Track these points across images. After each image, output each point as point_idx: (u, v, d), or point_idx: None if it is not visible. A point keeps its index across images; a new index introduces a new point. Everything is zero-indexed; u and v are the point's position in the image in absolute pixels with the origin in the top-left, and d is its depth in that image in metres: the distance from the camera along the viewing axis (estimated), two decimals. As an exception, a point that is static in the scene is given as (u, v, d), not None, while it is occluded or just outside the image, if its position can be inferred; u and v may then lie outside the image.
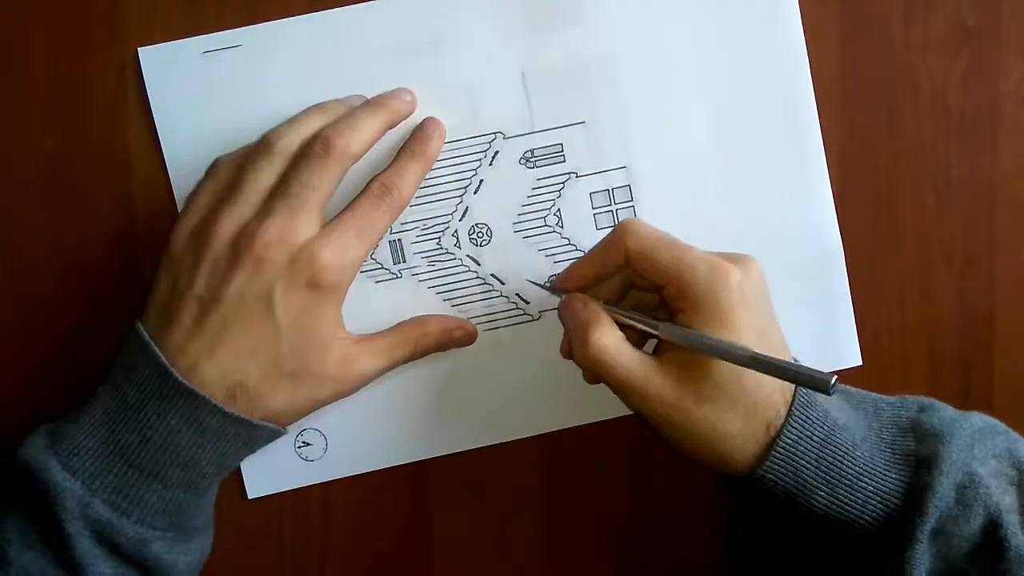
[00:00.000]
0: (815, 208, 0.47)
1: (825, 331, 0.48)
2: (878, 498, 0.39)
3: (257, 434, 0.41)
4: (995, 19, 0.48)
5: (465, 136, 0.46)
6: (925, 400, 0.43)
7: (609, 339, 0.40)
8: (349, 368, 0.42)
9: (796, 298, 0.47)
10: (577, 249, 0.47)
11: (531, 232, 0.47)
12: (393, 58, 0.46)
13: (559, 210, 0.47)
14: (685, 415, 0.39)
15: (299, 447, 0.47)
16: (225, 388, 0.40)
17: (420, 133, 0.45)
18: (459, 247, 0.47)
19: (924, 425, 0.41)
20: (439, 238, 0.47)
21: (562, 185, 0.47)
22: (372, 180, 0.43)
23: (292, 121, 0.43)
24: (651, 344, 0.43)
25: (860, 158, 0.48)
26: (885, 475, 0.40)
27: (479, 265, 0.47)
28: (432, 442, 0.47)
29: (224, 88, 0.46)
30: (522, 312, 0.47)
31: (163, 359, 0.39)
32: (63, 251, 0.46)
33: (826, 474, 0.39)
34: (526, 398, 0.47)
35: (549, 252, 0.47)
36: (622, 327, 0.41)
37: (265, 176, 0.42)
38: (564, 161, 0.47)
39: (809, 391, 0.40)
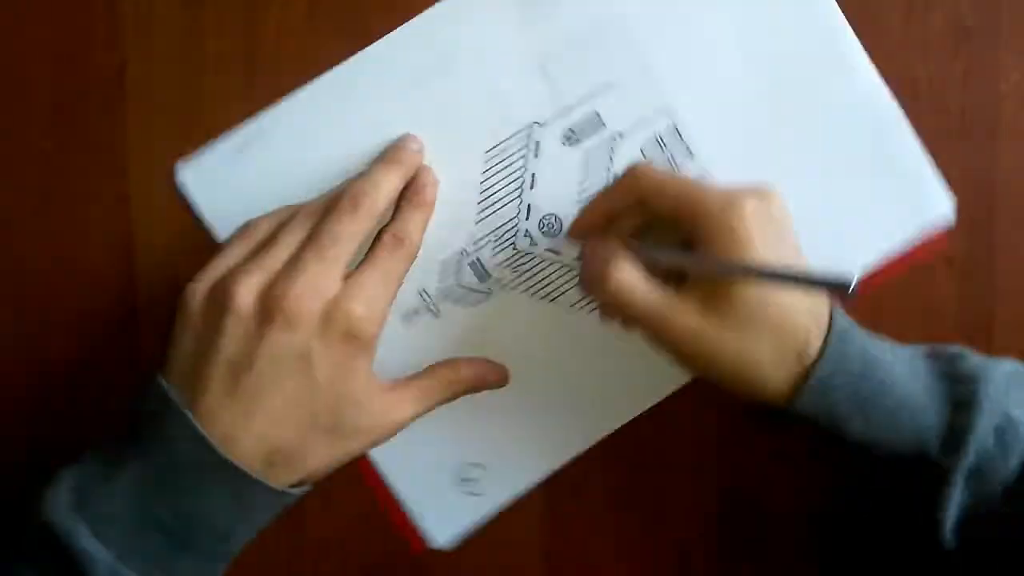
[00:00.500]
0: (857, 81, 0.47)
1: (910, 191, 0.47)
2: (916, 436, 0.39)
3: (292, 500, 0.41)
4: (995, 19, 0.47)
5: (503, 138, 0.46)
6: (953, 348, 0.42)
7: (627, 274, 0.40)
8: (386, 418, 0.42)
9: (866, 170, 0.47)
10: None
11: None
12: (409, 92, 0.46)
13: (616, 175, 0.47)
14: (710, 344, 0.39)
15: (463, 483, 0.48)
16: (263, 456, 0.39)
17: (415, 185, 0.44)
18: (535, 244, 0.47)
19: (959, 370, 0.41)
20: (513, 242, 0.47)
21: (611, 150, 0.47)
22: (382, 232, 0.43)
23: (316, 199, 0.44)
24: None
25: None
26: (924, 412, 0.40)
27: (560, 255, 0.47)
28: (577, 436, 0.48)
29: (264, 173, 0.46)
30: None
31: (201, 430, 0.38)
32: (62, 252, 0.46)
33: (862, 409, 0.39)
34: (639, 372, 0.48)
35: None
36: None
37: (293, 235, 0.41)
38: (605, 127, 0.47)
39: (845, 322, 0.40)
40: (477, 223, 0.47)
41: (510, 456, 0.48)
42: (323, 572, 0.49)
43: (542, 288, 0.47)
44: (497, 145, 0.47)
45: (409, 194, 0.44)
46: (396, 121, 0.46)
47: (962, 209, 0.48)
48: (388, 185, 0.43)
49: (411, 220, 0.44)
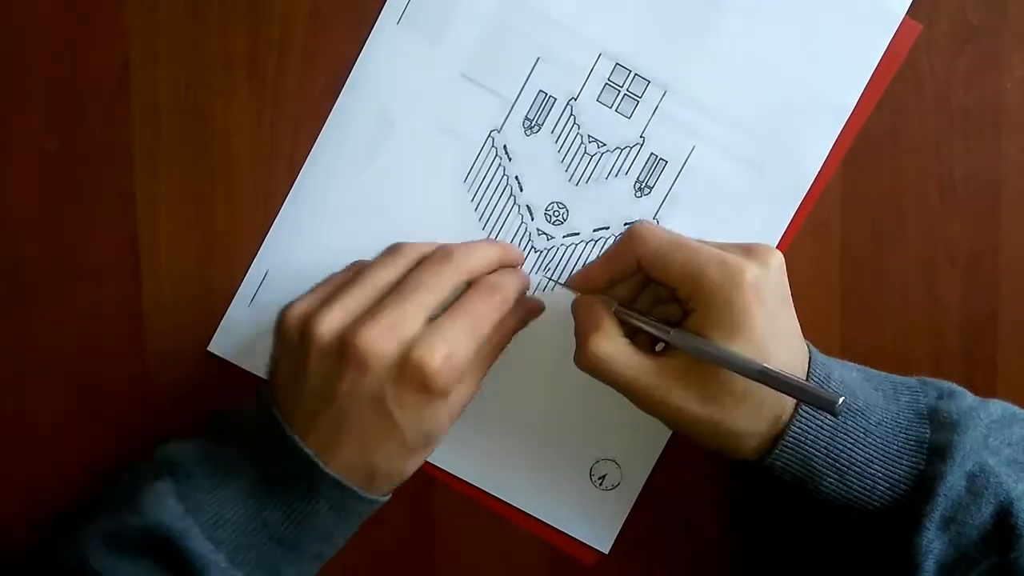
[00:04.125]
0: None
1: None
2: (887, 484, 0.39)
3: (385, 503, 0.42)
4: (999, 16, 0.46)
5: (471, 161, 0.46)
6: (945, 386, 0.42)
7: (608, 347, 0.40)
8: (461, 410, 0.42)
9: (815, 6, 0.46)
10: (620, 145, 0.46)
11: (581, 173, 0.47)
12: (367, 168, 0.46)
13: (588, 134, 0.46)
14: (689, 416, 0.39)
15: (597, 483, 0.48)
16: (360, 477, 0.40)
17: (511, 258, 0.45)
18: (552, 237, 0.47)
19: (942, 413, 0.40)
20: (532, 246, 0.47)
21: (572, 117, 0.46)
22: (477, 281, 0.42)
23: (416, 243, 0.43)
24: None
25: (864, 155, 0.47)
26: (896, 462, 0.39)
27: (579, 235, 0.47)
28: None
29: (279, 307, 0.46)
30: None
31: (309, 452, 0.39)
32: (65, 251, 0.46)
33: (835, 461, 0.39)
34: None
35: (607, 167, 0.46)
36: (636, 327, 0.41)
37: (384, 275, 0.41)
38: (555, 99, 0.46)
39: (823, 378, 0.39)
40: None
41: (627, 439, 0.48)
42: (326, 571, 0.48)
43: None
44: (470, 170, 0.46)
45: (505, 268, 0.44)
46: (370, 198, 0.46)
47: (966, 206, 0.47)
48: (486, 251, 0.43)
49: (510, 279, 0.43)
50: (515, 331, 0.45)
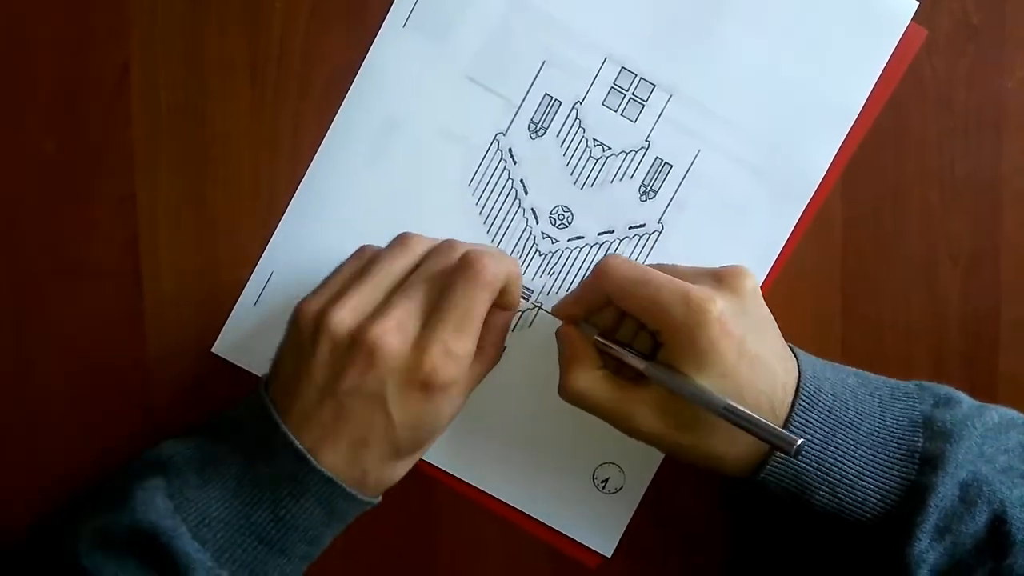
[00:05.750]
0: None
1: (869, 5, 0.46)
2: (878, 496, 0.39)
3: (375, 504, 0.42)
4: (1000, 16, 0.46)
5: (476, 164, 0.46)
6: (943, 391, 0.42)
7: (584, 381, 0.41)
8: (452, 418, 0.42)
9: (823, 12, 0.46)
10: (625, 149, 0.46)
11: (586, 176, 0.47)
12: (372, 168, 0.46)
13: (593, 138, 0.46)
14: (669, 441, 0.41)
15: (600, 486, 0.48)
16: (348, 476, 0.40)
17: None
18: (557, 240, 0.47)
19: (936, 422, 0.40)
20: (536, 249, 0.47)
21: (578, 120, 0.46)
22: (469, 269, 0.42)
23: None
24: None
25: (865, 155, 0.47)
26: (887, 473, 0.39)
27: (583, 238, 0.47)
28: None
29: (284, 308, 0.46)
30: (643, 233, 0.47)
31: (300, 447, 0.39)
32: (65, 252, 0.46)
33: (827, 475, 0.39)
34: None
35: (612, 171, 0.47)
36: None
37: (395, 269, 0.42)
38: (561, 103, 0.46)
39: (813, 392, 0.40)
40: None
41: (630, 443, 0.47)
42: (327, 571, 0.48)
43: (583, 275, 0.47)
44: (475, 172, 0.46)
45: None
46: (374, 200, 0.46)
47: (968, 206, 0.47)
48: (503, 267, 0.41)
49: (501, 260, 0.41)
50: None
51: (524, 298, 0.47)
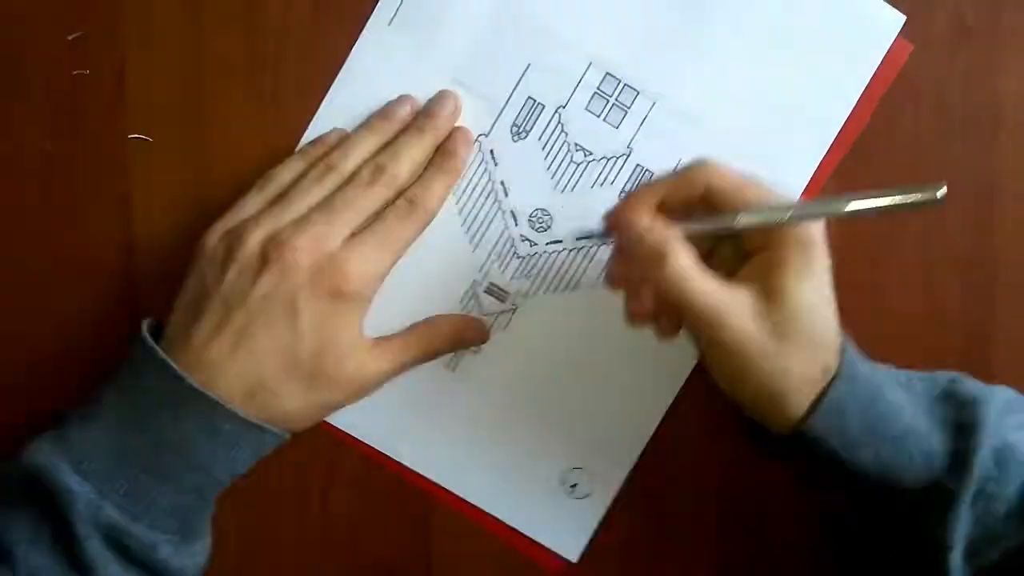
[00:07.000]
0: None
1: (856, 21, 0.46)
2: (923, 459, 0.39)
3: (267, 439, 0.41)
4: (995, 18, 0.46)
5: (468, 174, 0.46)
6: (950, 373, 0.42)
7: (686, 261, 0.38)
8: (363, 372, 0.43)
9: (808, 25, 0.46)
10: (606, 155, 0.46)
11: (567, 181, 0.47)
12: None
13: (575, 143, 0.46)
14: (753, 350, 0.38)
15: (570, 491, 0.48)
16: (244, 389, 0.40)
17: (444, 149, 0.45)
18: (535, 244, 0.47)
19: (958, 394, 0.41)
20: (515, 252, 0.47)
21: (560, 124, 0.46)
22: (400, 195, 0.44)
23: (347, 145, 0.44)
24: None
25: (860, 157, 0.47)
26: (928, 437, 0.39)
27: (562, 242, 0.47)
28: (647, 411, 0.48)
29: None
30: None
31: (174, 365, 0.40)
32: (62, 252, 0.46)
33: (872, 431, 0.39)
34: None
35: (593, 176, 0.46)
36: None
37: (315, 192, 0.43)
38: (544, 106, 0.46)
39: (855, 349, 0.40)
40: (474, 251, 0.47)
41: (601, 450, 0.48)
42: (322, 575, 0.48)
43: (561, 280, 0.47)
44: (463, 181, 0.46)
45: (437, 159, 0.45)
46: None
47: (964, 208, 0.47)
48: (412, 156, 0.44)
49: (432, 184, 0.44)
50: (449, 350, 0.46)
51: (500, 300, 0.47)
